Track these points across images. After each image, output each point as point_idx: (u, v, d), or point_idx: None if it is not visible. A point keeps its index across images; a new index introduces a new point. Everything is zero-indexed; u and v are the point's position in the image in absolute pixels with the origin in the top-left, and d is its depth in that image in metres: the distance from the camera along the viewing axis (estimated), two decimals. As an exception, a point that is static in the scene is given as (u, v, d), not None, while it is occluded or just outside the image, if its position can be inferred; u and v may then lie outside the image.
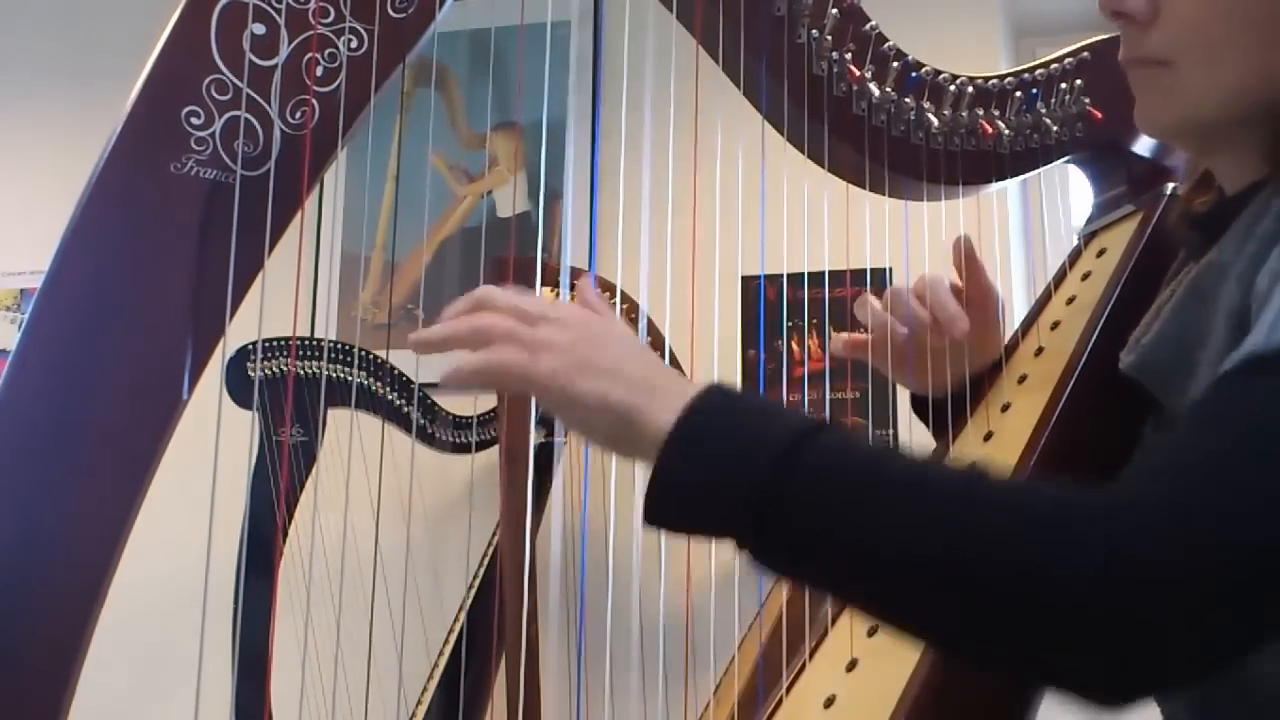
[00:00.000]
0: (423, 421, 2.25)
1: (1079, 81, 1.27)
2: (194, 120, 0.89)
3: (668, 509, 0.77)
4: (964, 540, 0.70)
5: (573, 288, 2.06)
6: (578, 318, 0.83)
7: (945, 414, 1.21)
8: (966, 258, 1.20)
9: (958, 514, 0.71)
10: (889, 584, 0.73)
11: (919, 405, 1.26)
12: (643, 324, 2.10)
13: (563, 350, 0.81)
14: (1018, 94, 1.25)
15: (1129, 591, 0.66)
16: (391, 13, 0.93)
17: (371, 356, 2.20)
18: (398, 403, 2.21)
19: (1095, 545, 0.66)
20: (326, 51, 0.92)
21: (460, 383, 0.82)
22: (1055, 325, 1.22)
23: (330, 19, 0.92)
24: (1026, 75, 1.26)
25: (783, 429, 0.75)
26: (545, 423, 2.22)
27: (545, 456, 2.18)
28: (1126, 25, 0.92)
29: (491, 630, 2.19)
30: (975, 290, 1.21)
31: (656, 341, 2.13)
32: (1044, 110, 1.26)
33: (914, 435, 1.36)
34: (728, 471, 0.75)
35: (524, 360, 0.81)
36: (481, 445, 2.31)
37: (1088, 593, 0.66)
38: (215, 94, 0.89)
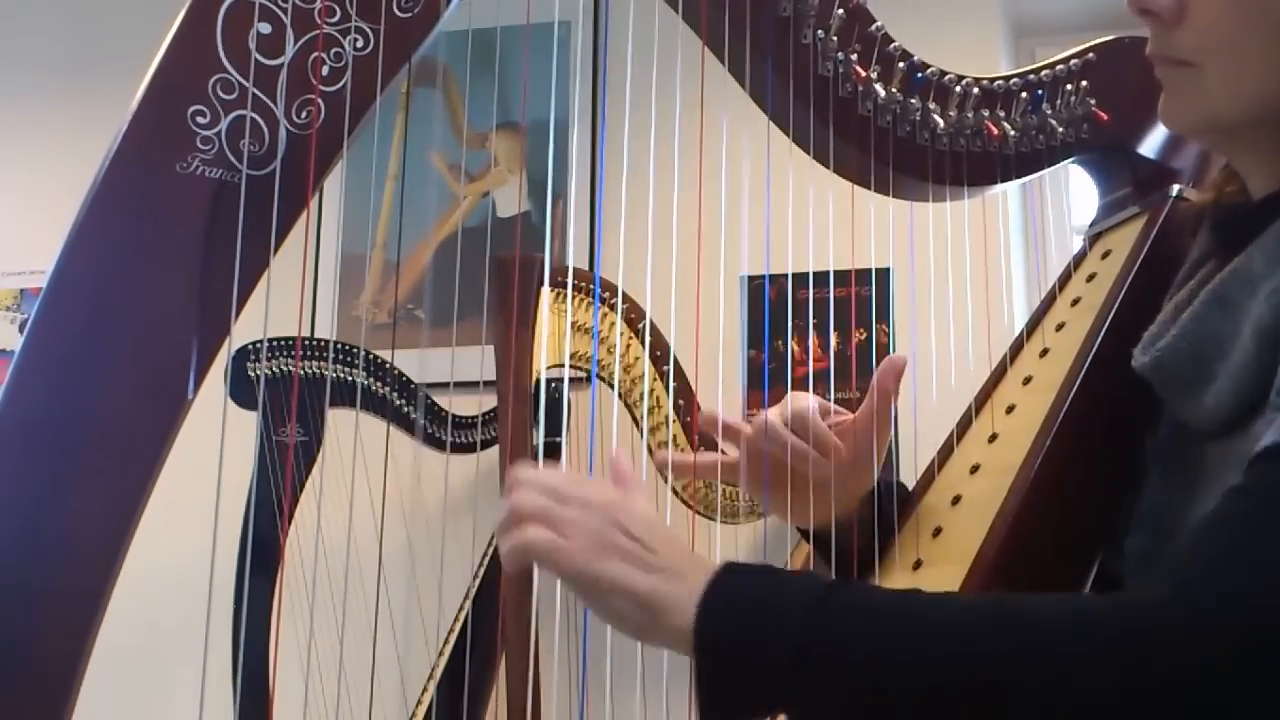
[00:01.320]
0: (424, 421, 2.24)
1: (1084, 83, 1.27)
2: (199, 119, 0.89)
3: (721, 711, 0.79)
4: (1012, 670, 0.73)
5: (577, 288, 2.05)
6: (603, 497, 0.85)
7: (838, 549, 1.16)
8: (884, 385, 1.13)
9: (1001, 648, 0.73)
10: (938, 714, 0.75)
11: (807, 536, 1.21)
12: (645, 324, 2.10)
13: (587, 533, 0.82)
14: (1023, 95, 1.24)
15: (1179, 698, 0.69)
16: (397, 12, 0.93)
17: (372, 356, 2.20)
18: (399, 403, 2.21)
19: (1141, 657, 0.70)
20: (332, 51, 0.91)
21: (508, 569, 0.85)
22: (1060, 326, 1.21)
23: (336, 18, 0.92)
24: (1032, 76, 1.25)
25: (799, 602, 0.78)
26: (547, 422, 2.22)
27: (547, 456, 2.18)
28: (1153, 23, 0.92)
29: (493, 629, 2.19)
30: (867, 417, 1.14)
31: (659, 342, 2.13)
32: (1049, 111, 1.25)
33: (914, 435, 1.36)
34: (758, 662, 0.77)
35: (549, 541, 0.83)
36: (484, 445, 2.31)
37: (1142, 705, 0.69)
38: (221, 93, 0.89)
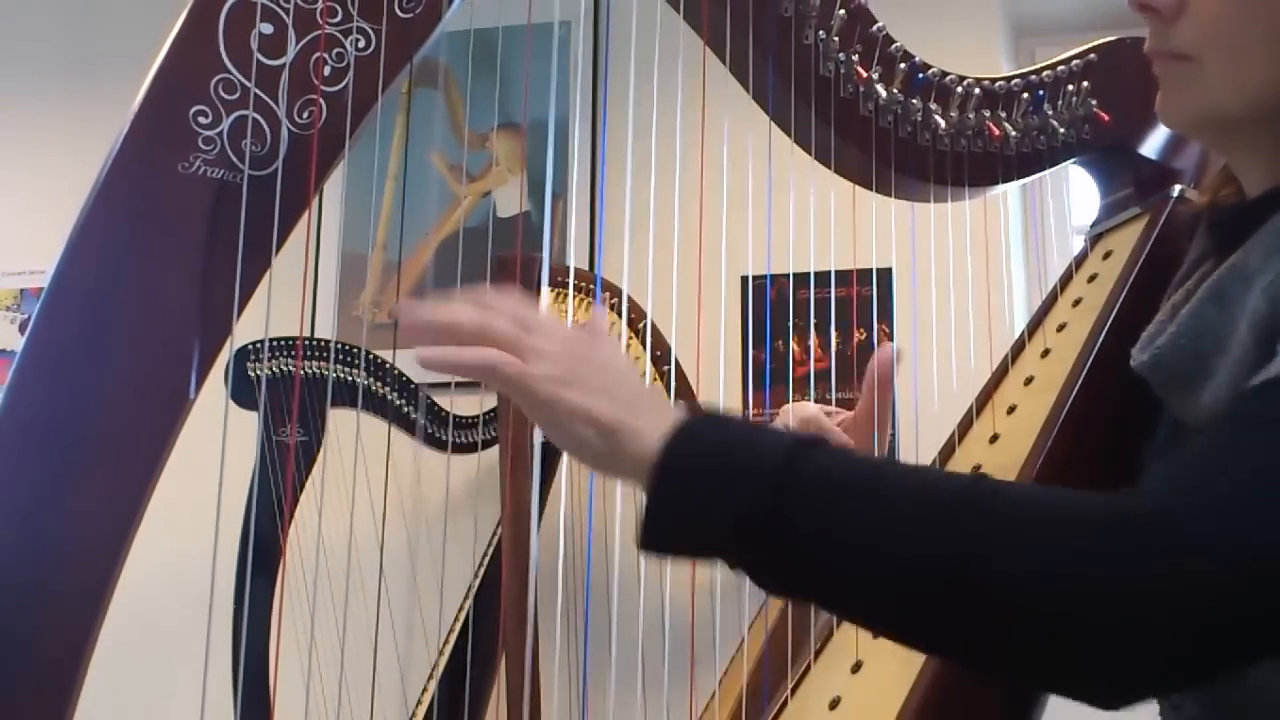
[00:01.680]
0: (424, 422, 2.24)
1: (1086, 84, 1.27)
2: (201, 119, 0.89)
3: (663, 536, 0.77)
4: (979, 549, 0.70)
5: (578, 288, 2.05)
6: (572, 333, 0.84)
7: None
8: (884, 373, 1.12)
9: (970, 522, 0.71)
10: (895, 596, 0.72)
11: None
12: (647, 324, 2.10)
13: (554, 361, 0.81)
14: (1024, 96, 1.24)
15: (1166, 605, 0.67)
16: (399, 12, 0.93)
17: (373, 356, 2.20)
18: (399, 403, 2.21)
19: (1127, 561, 0.67)
20: (334, 51, 0.91)
21: (443, 371, 0.82)
22: (1062, 327, 1.21)
23: (338, 19, 0.92)
24: (1033, 77, 1.26)
25: (771, 447, 0.75)
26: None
27: (548, 456, 2.18)
28: (1151, 19, 0.92)
29: (494, 629, 2.19)
30: (867, 408, 1.13)
31: (660, 342, 2.13)
32: (1051, 112, 1.26)
33: (915, 435, 1.36)
34: (721, 493, 0.75)
35: (516, 364, 0.81)
36: (484, 445, 2.31)
37: (1124, 608, 0.67)
38: (223, 93, 0.89)
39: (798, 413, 1.12)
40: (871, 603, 0.74)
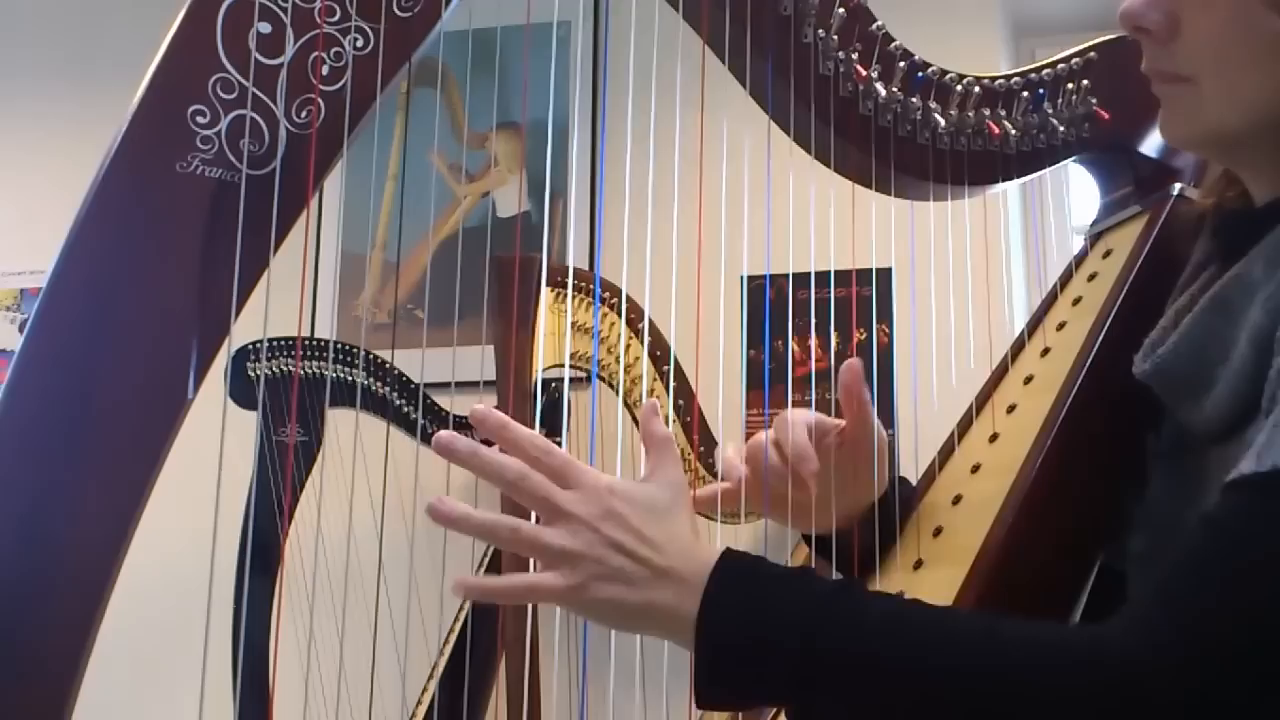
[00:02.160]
0: (424, 422, 2.24)
1: (1086, 82, 1.27)
2: (199, 119, 0.88)
3: (717, 704, 0.84)
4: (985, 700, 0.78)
5: (577, 288, 2.04)
6: (600, 484, 0.86)
7: (838, 547, 1.16)
8: (849, 391, 1.12)
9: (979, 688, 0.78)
10: None
11: (808, 540, 1.21)
12: (645, 324, 2.10)
13: (582, 540, 0.84)
14: (1024, 94, 1.24)
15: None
16: (398, 12, 0.93)
17: (372, 356, 2.20)
18: (399, 403, 2.21)
19: (1100, 701, 0.75)
20: (332, 50, 0.91)
21: (466, 533, 0.88)
22: (1061, 326, 1.21)
23: (336, 18, 0.91)
24: (1033, 75, 1.25)
25: (793, 618, 0.81)
26: (547, 422, 2.22)
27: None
28: (1146, 40, 0.92)
29: (494, 628, 2.19)
30: (853, 425, 1.13)
31: (659, 342, 2.13)
32: (1051, 111, 1.25)
33: (915, 435, 1.36)
34: (758, 674, 0.81)
35: (536, 586, 0.86)
36: (484, 445, 2.30)
37: None
38: (221, 93, 0.89)
39: (794, 420, 1.12)
40: None
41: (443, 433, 0.85)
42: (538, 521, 0.86)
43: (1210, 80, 0.90)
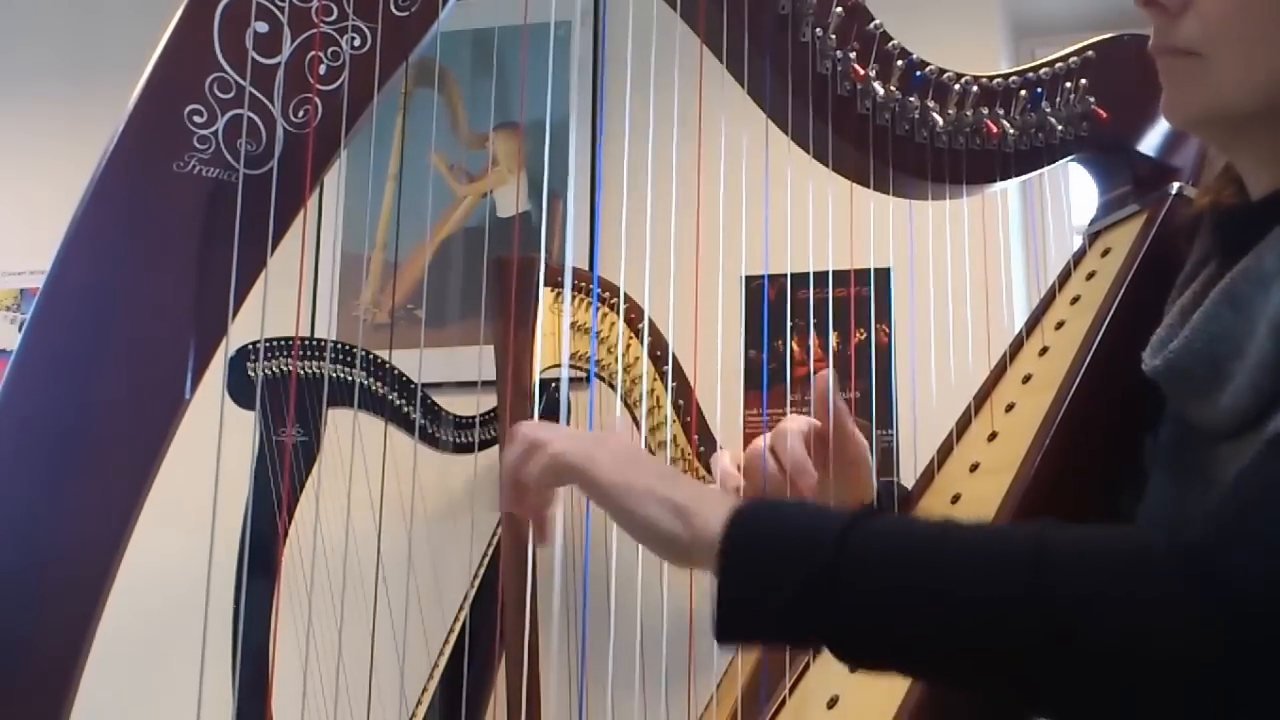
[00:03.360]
0: (424, 421, 2.24)
1: (1084, 81, 1.27)
2: (196, 119, 0.88)
3: (733, 612, 0.78)
4: (1046, 601, 0.72)
5: (576, 288, 2.04)
6: (621, 439, 0.89)
7: None
8: (820, 401, 1.12)
9: (1035, 577, 0.73)
10: (964, 651, 0.74)
11: None
12: (645, 324, 2.10)
13: (612, 450, 0.86)
14: (1022, 93, 1.24)
15: (1216, 637, 0.69)
16: (395, 11, 0.93)
17: (372, 357, 2.20)
18: (398, 403, 2.21)
19: (1180, 597, 0.70)
20: (329, 50, 0.91)
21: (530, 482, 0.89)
22: (1060, 325, 1.21)
23: (333, 17, 0.92)
24: (1031, 74, 1.25)
25: (831, 517, 0.79)
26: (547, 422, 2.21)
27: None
28: (1157, 15, 0.92)
29: (493, 629, 2.18)
30: (837, 436, 1.13)
31: (658, 342, 2.12)
32: (1049, 109, 1.25)
33: (914, 434, 1.36)
34: (787, 562, 0.76)
35: (582, 450, 0.86)
36: (483, 445, 2.31)
37: (1178, 644, 0.70)
38: (218, 92, 0.89)
39: (791, 429, 1.12)
40: (945, 657, 0.76)
41: None
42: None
43: (1221, 55, 0.89)
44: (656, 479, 0.84)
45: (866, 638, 0.77)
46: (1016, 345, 1.25)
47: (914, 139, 1.20)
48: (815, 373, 1.14)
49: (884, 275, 2.34)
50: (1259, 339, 0.83)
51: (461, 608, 2.25)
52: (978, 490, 1.10)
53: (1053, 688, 0.73)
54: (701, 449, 2.17)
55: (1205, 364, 0.89)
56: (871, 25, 1.18)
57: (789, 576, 0.76)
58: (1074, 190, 2.48)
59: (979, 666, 0.75)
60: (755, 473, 1.10)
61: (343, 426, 1.96)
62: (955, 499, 1.12)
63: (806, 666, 1.12)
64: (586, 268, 2.52)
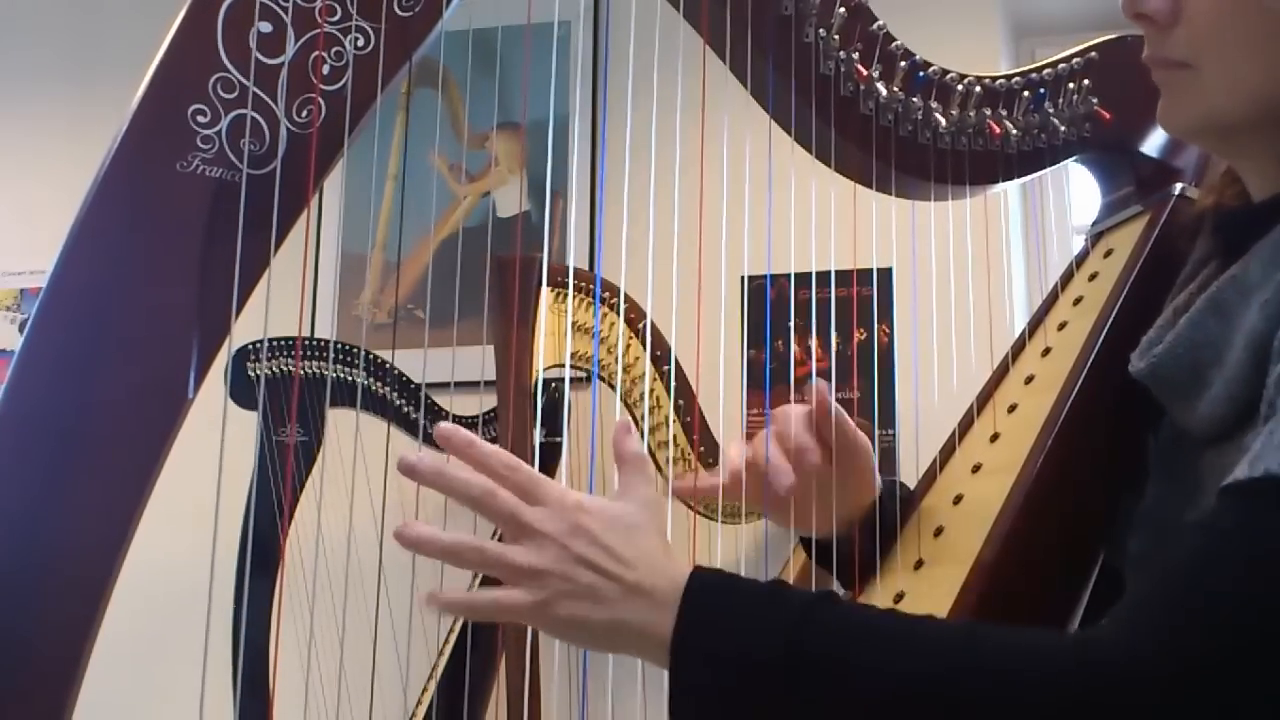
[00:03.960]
0: (424, 422, 2.24)
1: (1087, 82, 1.27)
2: (200, 118, 0.88)
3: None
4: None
5: (577, 288, 2.04)
6: (568, 501, 0.84)
7: (833, 553, 1.16)
8: (822, 410, 1.12)
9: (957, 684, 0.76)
10: None
11: (807, 546, 1.21)
12: (646, 324, 2.10)
13: (550, 555, 0.82)
14: (1025, 94, 1.24)
15: None
16: (398, 11, 0.93)
17: (373, 356, 2.20)
18: (399, 403, 2.21)
19: (1116, 699, 0.73)
20: (333, 50, 0.91)
21: (432, 556, 0.88)
22: (1062, 326, 1.21)
23: (337, 18, 0.91)
24: (1034, 75, 1.25)
25: (772, 628, 0.79)
26: (547, 422, 2.22)
27: (548, 456, 2.18)
28: (1147, 27, 0.92)
29: (493, 629, 2.18)
30: (840, 439, 1.13)
31: (659, 342, 2.12)
32: (1052, 110, 1.25)
33: (916, 435, 1.36)
34: (734, 692, 0.78)
35: (500, 602, 0.84)
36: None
37: None
38: (221, 92, 0.89)
39: (793, 413, 1.12)
40: None
41: (405, 455, 0.84)
42: (503, 540, 0.85)
43: (1211, 65, 0.89)
44: (584, 604, 0.81)
45: None
46: (1019, 346, 1.25)
47: (917, 140, 1.20)
48: (812, 380, 1.12)
49: (886, 275, 2.34)
50: (1236, 349, 0.84)
51: (462, 607, 2.24)
52: (980, 491, 1.10)
53: None
54: (702, 449, 2.17)
55: (1186, 370, 0.89)
56: (874, 26, 1.18)
57: (743, 700, 0.78)
58: (1076, 191, 2.48)
59: None
60: (761, 459, 1.10)
61: (344, 427, 1.96)
62: (957, 500, 1.12)
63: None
64: (587, 268, 2.52)
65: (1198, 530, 0.78)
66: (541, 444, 2.18)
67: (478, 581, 2.24)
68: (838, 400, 1.15)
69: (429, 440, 2.32)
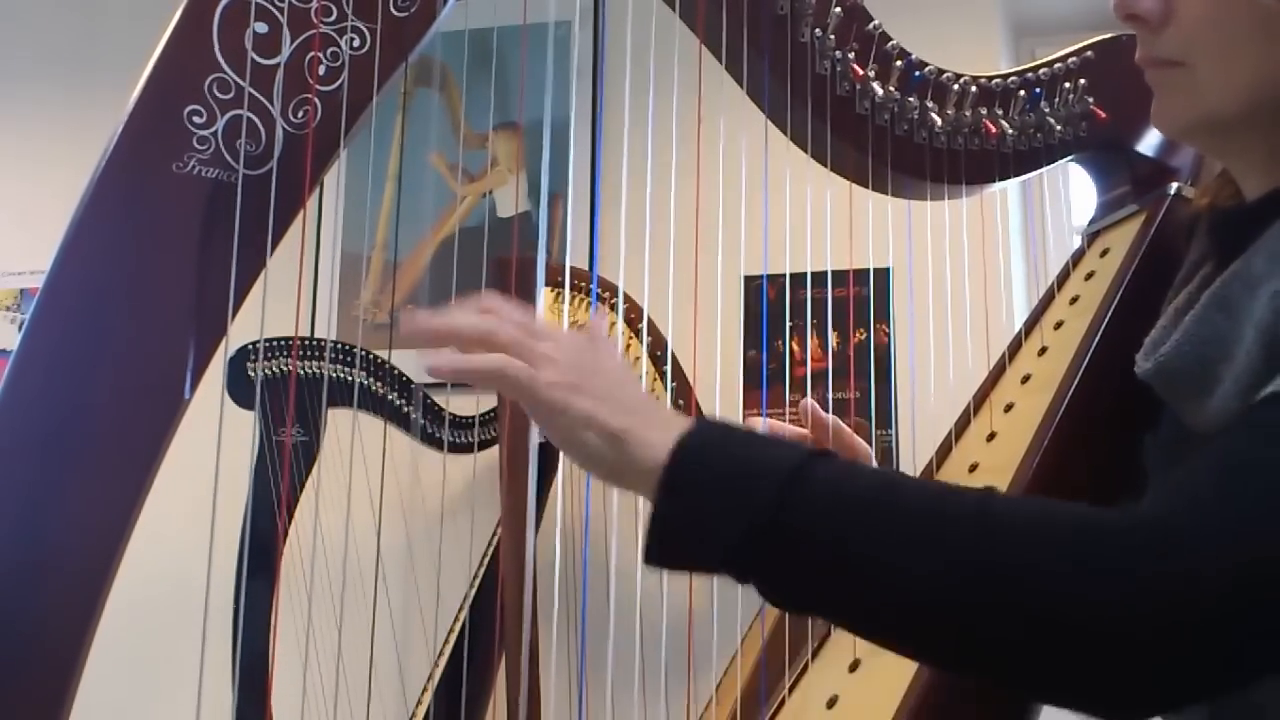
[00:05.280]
0: (423, 421, 2.24)
1: (1082, 81, 1.27)
2: (196, 119, 0.88)
3: (668, 547, 0.77)
4: (988, 566, 0.71)
5: (575, 288, 2.05)
6: (577, 339, 0.84)
7: None
8: (815, 423, 1.12)
9: (978, 539, 0.72)
10: (903, 611, 0.73)
11: None
12: (645, 324, 2.10)
13: (560, 367, 0.81)
14: (1021, 93, 1.24)
15: (1162, 613, 0.68)
16: (394, 11, 0.93)
17: (372, 356, 2.20)
18: (398, 403, 2.21)
19: (1126, 568, 0.69)
20: (329, 50, 0.91)
21: (450, 379, 0.82)
22: (1059, 325, 1.21)
23: (332, 18, 0.92)
24: (1030, 75, 1.25)
25: (780, 458, 0.76)
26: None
27: (546, 456, 2.18)
28: (1139, 27, 0.93)
29: (492, 630, 2.18)
30: (837, 446, 1.12)
31: (658, 342, 2.13)
32: (1047, 110, 1.26)
33: (913, 434, 1.36)
34: (728, 502, 0.75)
35: (524, 370, 0.81)
36: (483, 445, 2.31)
37: (1122, 616, 0.68)
38: (217, 93, 0.89)
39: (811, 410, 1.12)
40: (881, 616, 0.75)
41: (407, 319, 0.82)
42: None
43: (1203, 63, 0.90)
44: (597, 401, 0.80)
45: (802, 589, 0.76)
46: (1015, 345, 1.25)
47: (913, 139, 1.20)
48: (807, 395, 1.12)
49: (883, 275, 2.34)
50: (1246, 343, 0.84)
51: (461, 608, 2.25)
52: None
53: (985, 650, 0.72)
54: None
55: (1195, 368, 0.89)
56: (870, 25, 1.18)
57: (729, 521, 0.74)
58: (1073, 190, 2.48)
59: (915, 628, 0.74)
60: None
61: (343, 426, 1.96)
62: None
63: (806, 666, 1.12)
64: (586, 268, 2.52)
65: (1233, 432, 0.76)
66: (541, 444, 2.18)
67: (482, 568, 2.25)
68: (835, 401, 1.16)
69: (427, 439, 2.32)
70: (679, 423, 0.79)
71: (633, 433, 0.79)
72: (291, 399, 2.12)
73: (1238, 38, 0.88)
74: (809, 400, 1.12)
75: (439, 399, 2.31)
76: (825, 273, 2.07)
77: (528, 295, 1.99)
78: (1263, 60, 0.87)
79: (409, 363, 2.26)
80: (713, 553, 0.76)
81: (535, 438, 2.13)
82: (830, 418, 1.12)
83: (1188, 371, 0.90)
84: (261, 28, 0.90)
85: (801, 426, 1.13)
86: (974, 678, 0.81)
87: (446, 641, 2.23)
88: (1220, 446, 0.76)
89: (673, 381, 2.12)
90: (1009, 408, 1.17)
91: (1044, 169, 1.28)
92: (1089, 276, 1.24)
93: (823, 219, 1.31)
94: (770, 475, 0.74)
